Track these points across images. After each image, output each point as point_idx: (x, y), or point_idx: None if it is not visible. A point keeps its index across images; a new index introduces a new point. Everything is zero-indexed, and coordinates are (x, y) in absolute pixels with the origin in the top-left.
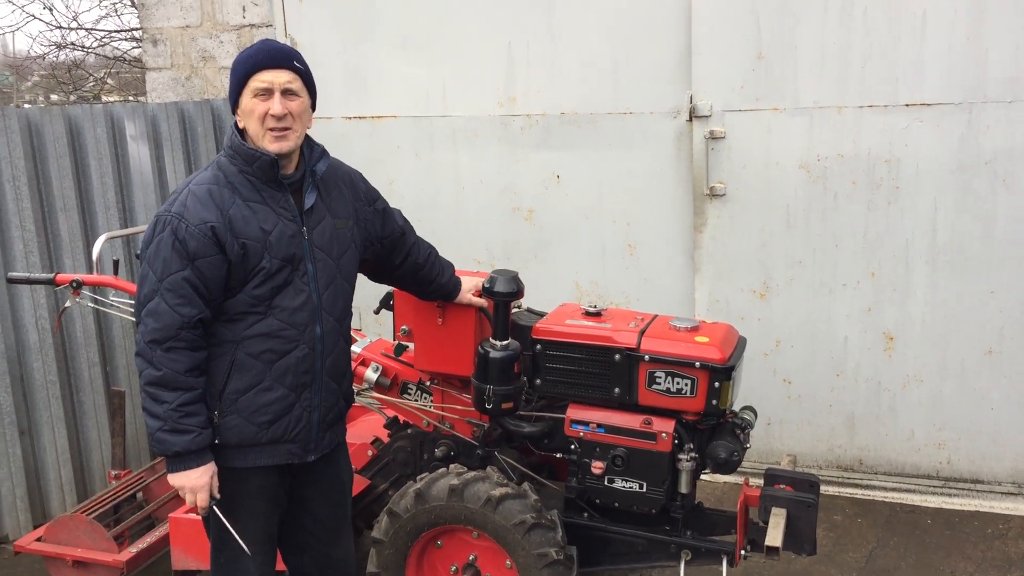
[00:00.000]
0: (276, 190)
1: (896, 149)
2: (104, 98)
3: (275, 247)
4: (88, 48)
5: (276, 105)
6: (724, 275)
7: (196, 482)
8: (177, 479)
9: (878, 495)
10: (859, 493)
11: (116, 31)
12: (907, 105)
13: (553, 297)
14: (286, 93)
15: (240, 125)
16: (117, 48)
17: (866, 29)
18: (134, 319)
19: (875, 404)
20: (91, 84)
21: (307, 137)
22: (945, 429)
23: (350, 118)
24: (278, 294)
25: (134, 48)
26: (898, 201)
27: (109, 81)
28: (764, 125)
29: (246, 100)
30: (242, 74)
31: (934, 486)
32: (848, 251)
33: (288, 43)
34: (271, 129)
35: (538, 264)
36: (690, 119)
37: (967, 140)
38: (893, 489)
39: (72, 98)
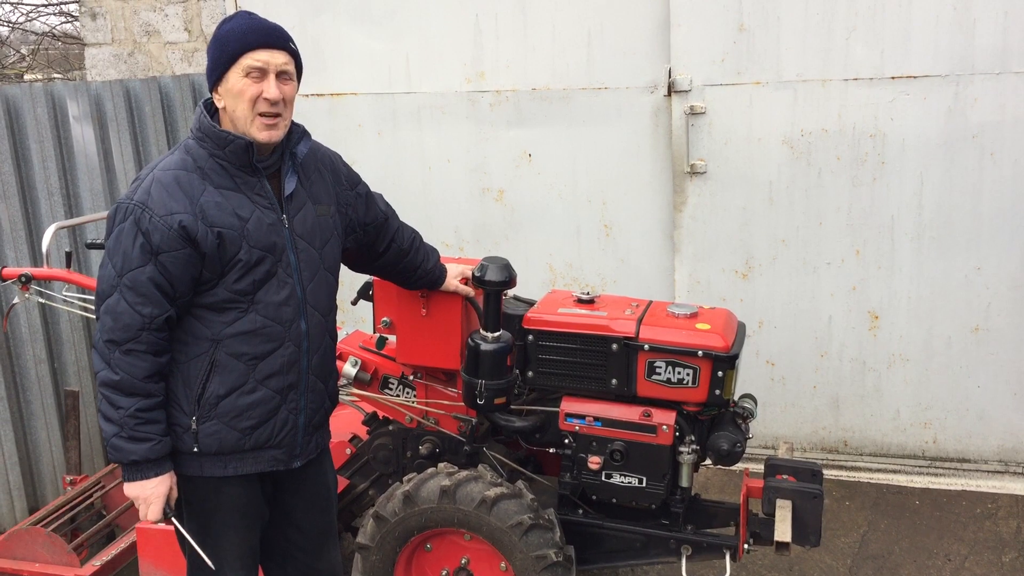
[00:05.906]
0: (251, 176)
1: (882, 123)
2: (28, 76)
3: (253, 236)
4: (14, 23)
5: (272, 89)
6: (705, 255)
7: (151, 493)
8: (132, 488)
9: (864, 476)
10: (844, 475)
11: (44, 4)
12: (893, 78)
13: (525, 280)
14: (281, 76)
15: (219, 104)
16: (45, 23)
17: None
18: (95, 315)
19: (860, 384)
20: (13, 60)
21: None
22: (931, 408)
23: (307, 96)
24: (260, 288)
25: (63, 23)
26: (883, 177)
27: (28, 58)
28: (746, 100)
29: (235, 78)
30: (234, 50)
31: (920, 466)
32: (832, 228)
33: None
34: (262, 114)
35: (510, 246)
36: (669, 94)
37: (954, 113)
38: (879, 470)
39: None
